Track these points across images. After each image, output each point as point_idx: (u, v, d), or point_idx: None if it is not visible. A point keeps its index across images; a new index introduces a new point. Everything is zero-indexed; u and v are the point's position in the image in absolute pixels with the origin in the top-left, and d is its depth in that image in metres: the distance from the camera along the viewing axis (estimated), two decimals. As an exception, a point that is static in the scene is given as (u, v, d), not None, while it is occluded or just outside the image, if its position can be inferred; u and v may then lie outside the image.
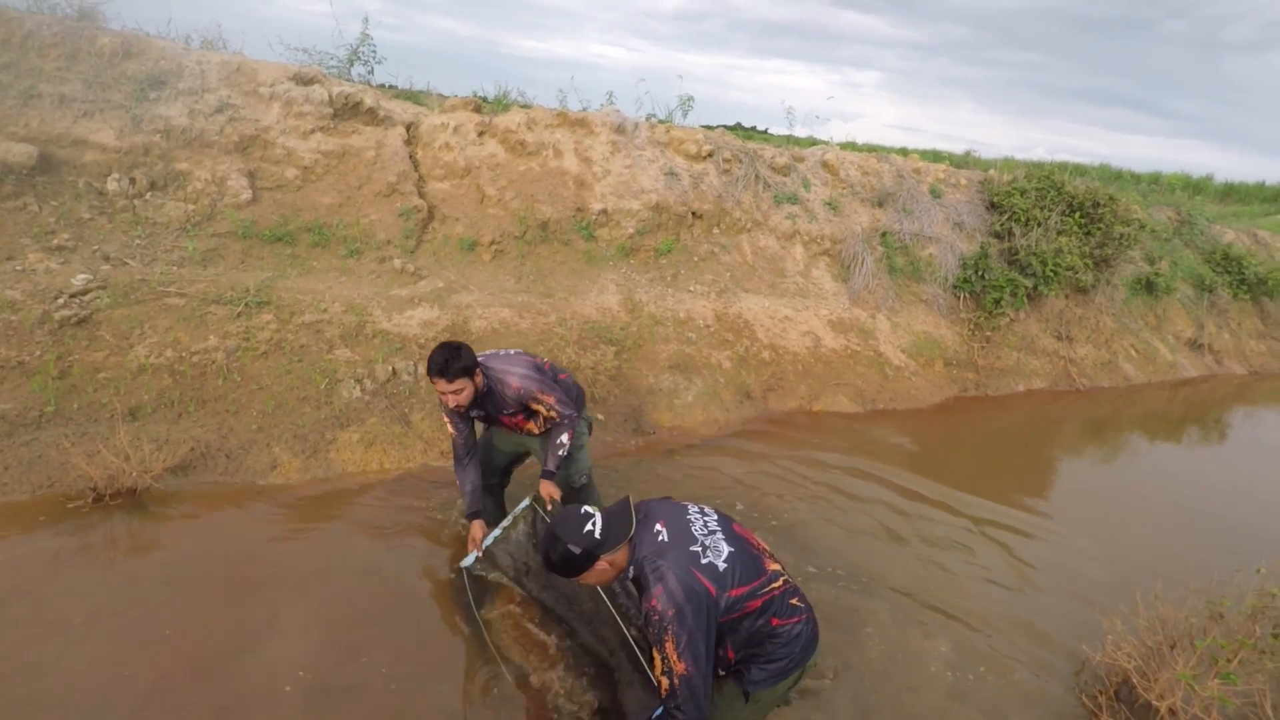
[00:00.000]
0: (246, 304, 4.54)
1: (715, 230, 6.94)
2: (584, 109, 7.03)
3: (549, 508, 2.99)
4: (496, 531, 2.96)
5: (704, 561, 1.98)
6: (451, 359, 2.81)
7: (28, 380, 3.80)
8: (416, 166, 6.08)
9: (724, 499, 4.35)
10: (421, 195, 5.93)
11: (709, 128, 7.94)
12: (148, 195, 5.06)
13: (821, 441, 5.55)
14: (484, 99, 7.13)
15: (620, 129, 6.80)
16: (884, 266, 7.60)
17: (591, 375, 5.28)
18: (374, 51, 6.80)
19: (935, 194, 8.28)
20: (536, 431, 3.22)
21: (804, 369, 6.44)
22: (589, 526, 1.99)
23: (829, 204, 7.65)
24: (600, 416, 5.08)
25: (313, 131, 5.74)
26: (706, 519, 2.13)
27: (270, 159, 5.53)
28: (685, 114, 7.71)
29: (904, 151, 10.04)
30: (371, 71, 6.85)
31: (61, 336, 4.02)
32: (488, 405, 3.05)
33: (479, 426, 3.29)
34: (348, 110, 5.94)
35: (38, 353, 3.91)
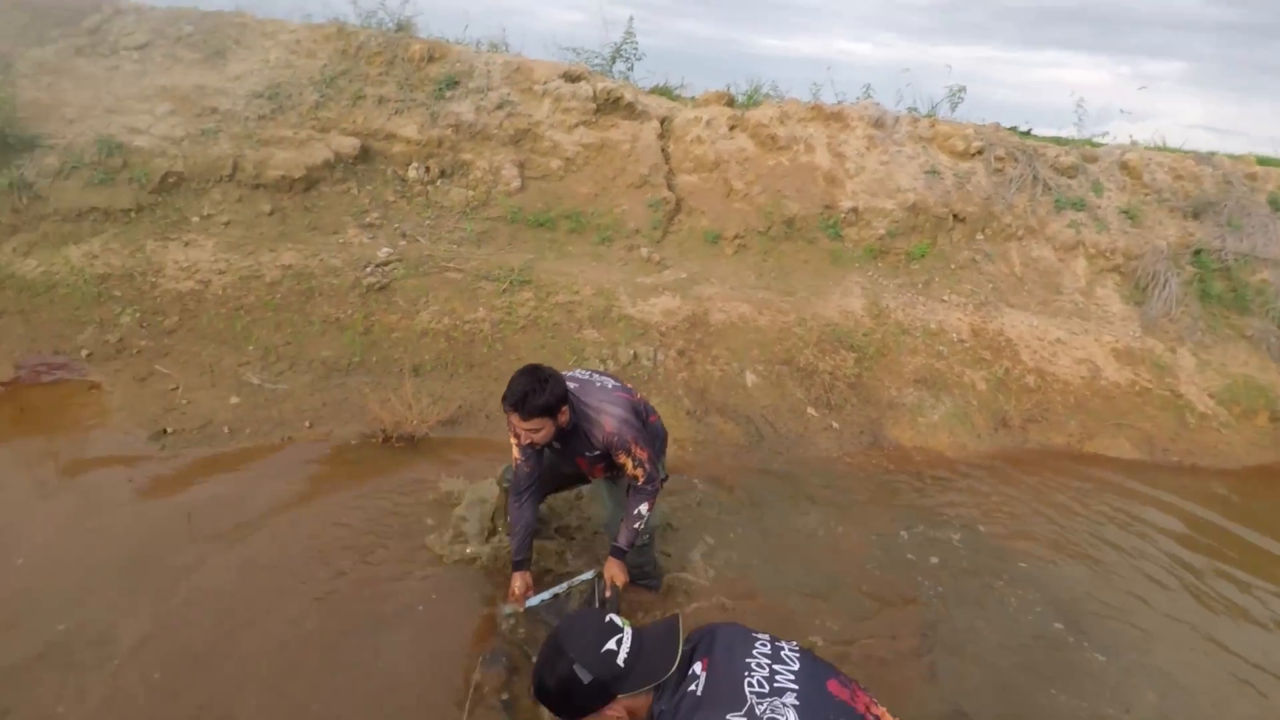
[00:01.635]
0: (511, 282, 4.91)
1: (979, 236, 6.21)
2: (840, 102, 6.69)
3: (607, 595, 2.53)
4: (545, 595, 2.60)
5: None
6: (532, 392, 2.26)
7: (341, 334, 4.45)
8: (667, 159, 6.19)
9: (964, 534, 3.83)
10: (670, 187, 6.02)
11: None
12: (438, 182, 5.71)
13: (1093, 487, 4.69)
14: (734, 97, 7.07)
15: (879, 123, 6.36)
16: (1194, 291, 6.27)
17: (829, 380, 4.97)
18: (635, 49, 7.05)
19: (1277, 206, 6.67)
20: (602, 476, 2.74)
21: (1076, 402, 5.51)
22: (609, 644, 1.37)
23: (1125, 212, 6.49)
24: (835, 425, 4.76)
25: (576, 125, 6.09)
26: (779, 666, 1.39)
27: (539, 150, 5.96)
28: (954, 107, 7.02)
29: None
30: (631, 68, 7.11)
31: (367, 300, 4.65)
32: (568, 442, 2.52)
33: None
34: (608, 105, 6.21)
35: (350, 312, 4.56)
